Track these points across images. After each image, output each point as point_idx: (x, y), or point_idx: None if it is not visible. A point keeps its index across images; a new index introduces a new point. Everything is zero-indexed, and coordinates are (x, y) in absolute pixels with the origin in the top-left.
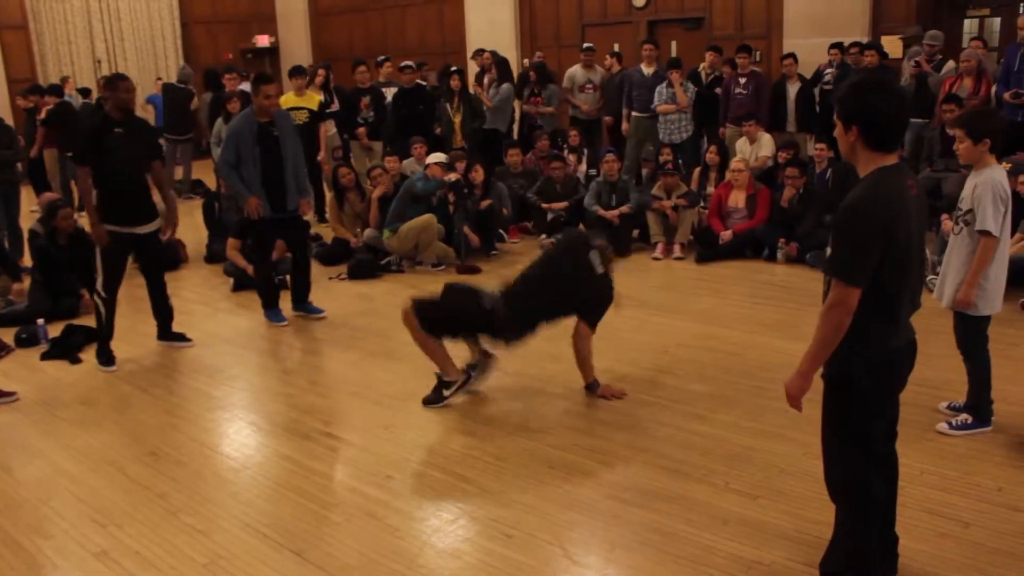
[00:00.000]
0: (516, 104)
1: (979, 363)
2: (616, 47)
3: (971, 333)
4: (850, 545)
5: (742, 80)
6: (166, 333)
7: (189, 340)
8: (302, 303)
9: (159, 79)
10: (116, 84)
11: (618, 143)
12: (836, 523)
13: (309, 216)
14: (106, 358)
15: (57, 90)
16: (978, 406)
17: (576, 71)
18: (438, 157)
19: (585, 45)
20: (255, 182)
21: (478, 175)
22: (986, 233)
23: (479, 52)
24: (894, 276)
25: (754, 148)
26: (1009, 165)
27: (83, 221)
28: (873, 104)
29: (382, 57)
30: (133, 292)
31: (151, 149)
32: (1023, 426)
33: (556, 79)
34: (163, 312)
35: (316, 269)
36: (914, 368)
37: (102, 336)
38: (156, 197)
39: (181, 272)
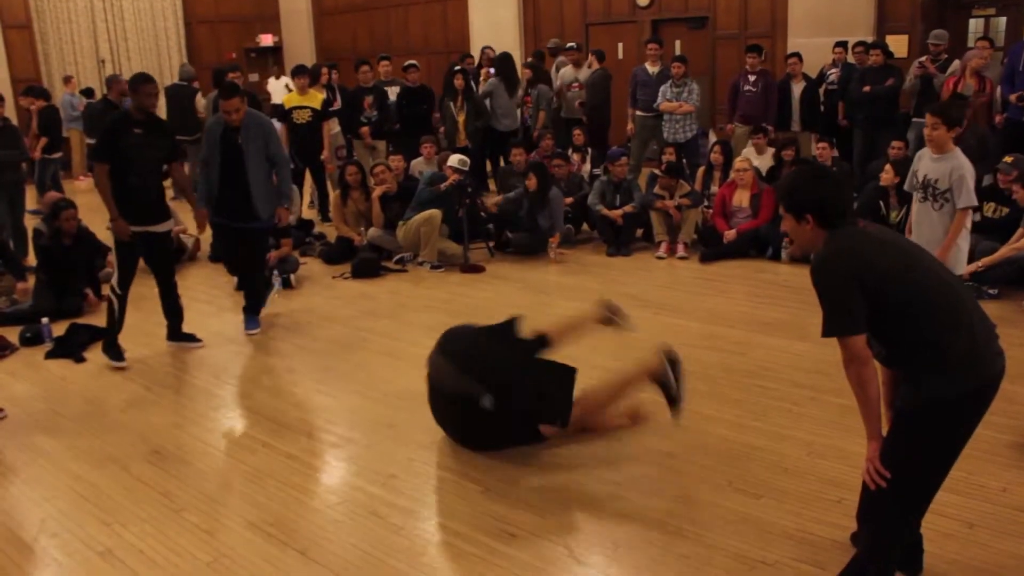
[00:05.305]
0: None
1: None
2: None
3: None
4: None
5: (751, 78)
6: (176, 333)
7: (199, 340)
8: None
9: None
10: (139, 86)
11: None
12: (859, 546)
13: (313, 215)
14: (116, 353)
15: (44, 93)
16: None
17: (566, 70)
18: (458, 160)
19: (568, 44)
20: (213, 185)
21: (531, 183)
22: (966, 209)
23: (486, 50)
24: (913, 322)
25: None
26: (1011, 158)
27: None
28: (820, 192)
29: (382, 55)
30: (137, 291)
31: (170, 150)
32: None
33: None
34: (174, 312)
35: (320, 267)
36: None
37: (112, 332)
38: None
39: (185, 271)
